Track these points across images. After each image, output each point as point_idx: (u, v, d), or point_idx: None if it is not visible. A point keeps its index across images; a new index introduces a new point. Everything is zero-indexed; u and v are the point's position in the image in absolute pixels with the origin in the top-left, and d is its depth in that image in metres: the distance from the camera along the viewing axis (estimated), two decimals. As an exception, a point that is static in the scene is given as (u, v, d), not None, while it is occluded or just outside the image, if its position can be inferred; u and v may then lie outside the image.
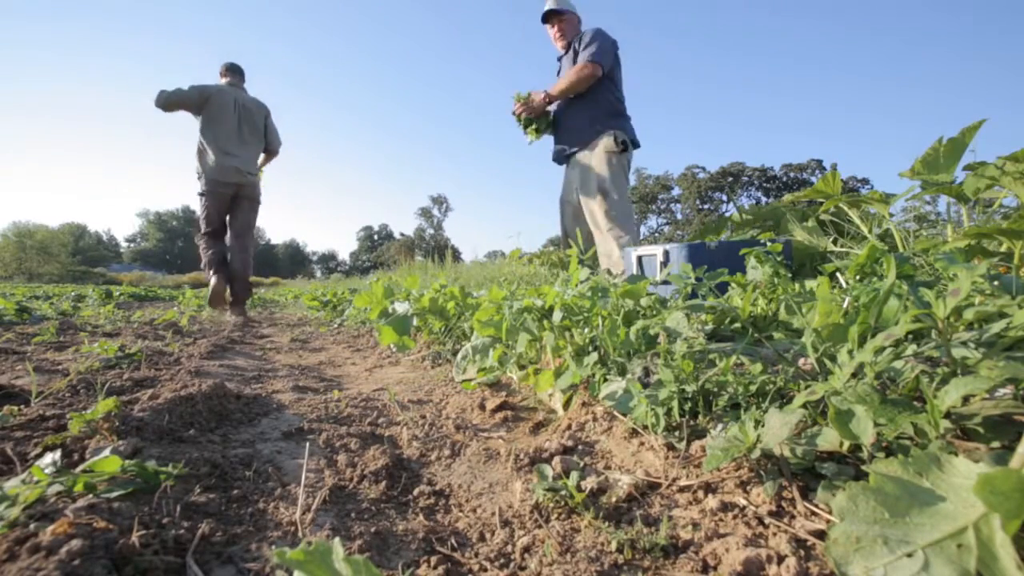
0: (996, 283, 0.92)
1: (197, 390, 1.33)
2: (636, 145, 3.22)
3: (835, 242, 2.14)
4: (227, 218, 3.98)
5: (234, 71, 4.16)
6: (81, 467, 0.77)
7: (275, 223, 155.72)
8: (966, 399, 0.69)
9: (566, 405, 1.30)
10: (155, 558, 0.60)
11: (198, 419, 1.22)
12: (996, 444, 0.63)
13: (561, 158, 3.38)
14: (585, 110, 3.15)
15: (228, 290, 4.04)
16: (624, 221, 3.03)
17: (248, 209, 4.02)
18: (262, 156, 4.22)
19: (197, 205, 3.94)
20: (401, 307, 2.55)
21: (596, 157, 3.08)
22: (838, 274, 1.34)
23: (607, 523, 0.73)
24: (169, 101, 3.73)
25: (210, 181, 3.79)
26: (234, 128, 3.86)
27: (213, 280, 3.92)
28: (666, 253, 2.15)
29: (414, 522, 0.78)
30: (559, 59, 3.43)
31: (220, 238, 3.99)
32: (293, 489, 0.87)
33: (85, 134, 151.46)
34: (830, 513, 0.64)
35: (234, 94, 3.96)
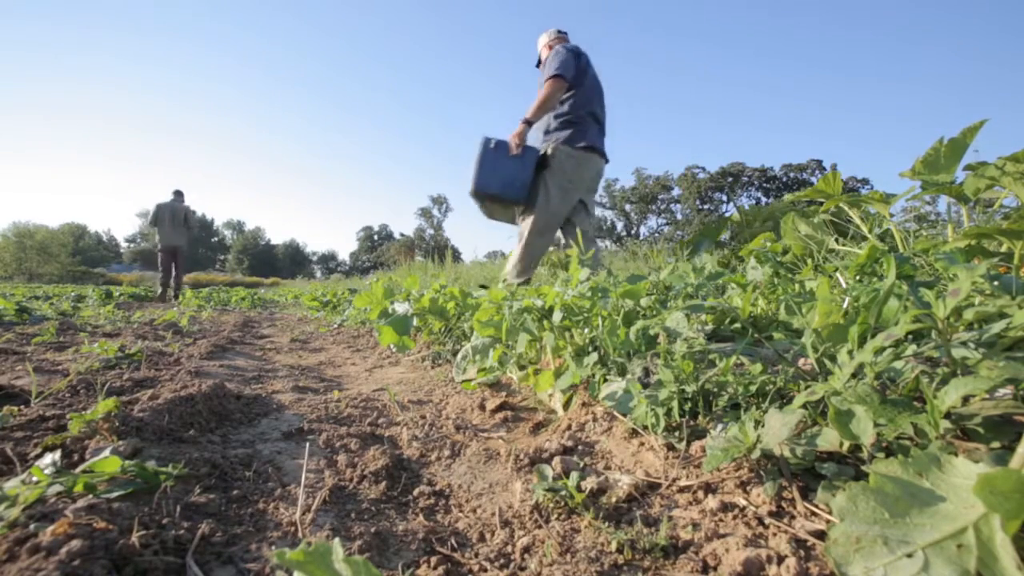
0: (996, 283, 0.92)
1: (197, 390, 1.33)
2: None
3: (836, 242, 2.13)
4: (173, 261, 8.84)
5: (177, 193, 8.86)
6: (81, 467, 0.77)
7: (275, 223, 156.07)
8: (966, 399, 0.69)
9: (566, 405, 1.30)
10: (155, 558, 0.60)
11: (198, 419, 1.22)
12: (996, 444, 0.63)
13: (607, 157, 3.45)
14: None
15: (170, 291, 8.91)
16: None
17: (181, 257, 8.85)
18: (187, 230, 8.96)
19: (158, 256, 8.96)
20: (401, 307, 2.55)
21: None
22: (838, 274, 1.34)
23: (607, 523, 0.73)
24: (152, 224, 8.71)
25: (162, 246, 8.64)
26: (169, 222, 8.58)
27: (159, 292, 8.93)
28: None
29: (414, 522, 0.78)
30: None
31: (168, 271, 8.80)
32: (293, 489, 0.87)
33: (85, 134, 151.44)
34: (830, 513, 0.64)
35: (169, 205, 8.64)
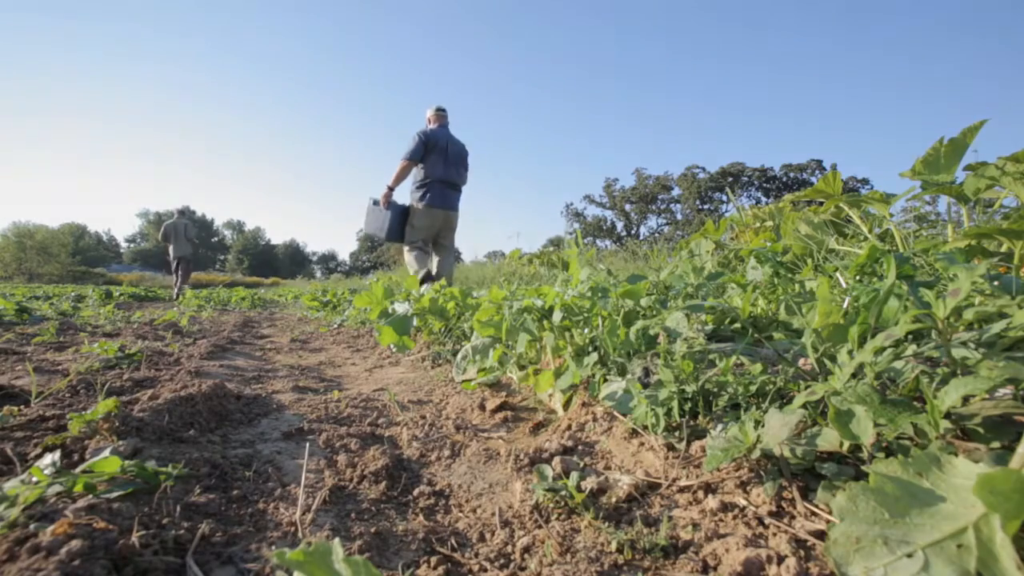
0: (996, 283, 0.92)
1: (197, 390, 1.33)
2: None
3: (836, 242, 2.13)
4: (180, 268, 10.87)
5: (182, 212, 11.02)
6: (81, 467, 0.77)
7: (275, 223, 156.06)
8: (966, 399, 0.69)
9: (566, 405, 1.30)
10: (155, 558, 0.60)
11: (198, 419, 1.22)
12: (996, 444, 0.63)
13: (455, 206, 4.99)
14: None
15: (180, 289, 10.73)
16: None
17: (187, 262, 10.89)
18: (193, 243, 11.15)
19: (171, 265, 11.14)
20: (401, 307, 2.55)
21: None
22: (838, 274, 1.34)
23: (607, 523, 0.73)
24: (163, 240, 10.89)
25: (174, 256, 10.68)
26: (178, 237, 10.64)
27: (175, 290, 10.83)
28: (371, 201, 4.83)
29: (414, 522, 0.78)
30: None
31: (178, 276, 10.80)
32: (293, 489, 0.87)
33: (85, 134, 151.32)
34: (830, 513, 0.64)
35: (175, 222, 10.72)
